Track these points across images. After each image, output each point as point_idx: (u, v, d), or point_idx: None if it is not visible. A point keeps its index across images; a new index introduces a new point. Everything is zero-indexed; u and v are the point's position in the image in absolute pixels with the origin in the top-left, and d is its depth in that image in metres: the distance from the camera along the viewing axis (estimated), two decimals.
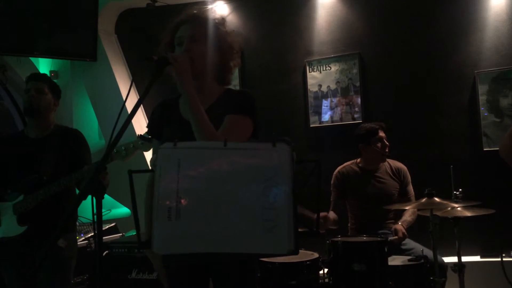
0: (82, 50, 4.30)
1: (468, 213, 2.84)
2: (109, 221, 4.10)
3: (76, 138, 2.78)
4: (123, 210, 4.61)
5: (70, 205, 2.62)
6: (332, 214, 3.40)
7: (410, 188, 3.43)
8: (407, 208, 3.09)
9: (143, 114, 4.68)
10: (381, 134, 3.38)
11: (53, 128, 2.76)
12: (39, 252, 2.43)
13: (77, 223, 3.31)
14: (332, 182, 3.50)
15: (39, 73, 3.06)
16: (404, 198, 3.38)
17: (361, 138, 3.41)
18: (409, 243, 3.25)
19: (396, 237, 3.11)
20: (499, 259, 3.21)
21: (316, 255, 2.89)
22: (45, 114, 2.73)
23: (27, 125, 2.84)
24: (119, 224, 4.14)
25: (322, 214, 3.11)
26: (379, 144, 3.36)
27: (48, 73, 4.74)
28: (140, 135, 2.22)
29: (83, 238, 3.61)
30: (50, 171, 2.60)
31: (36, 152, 2.66)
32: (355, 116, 4.19)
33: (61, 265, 2.58)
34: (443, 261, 3.02)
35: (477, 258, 3.74)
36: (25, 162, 2.64)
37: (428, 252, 2.92)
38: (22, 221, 2.56)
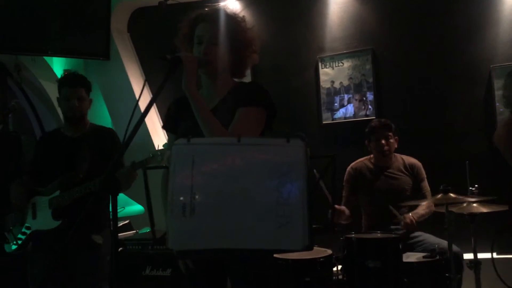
0: (95, 49, 4.32)
1: (483, 209, 2.80)
2: (122, 218, 4.13)
3: (111, 138, 2.85)
4: (137, 208, 4.64)
5: (87, 204, 2.67)
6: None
7: (425, 184, 3.39)
8: (421, 204, 3.06)
9: (156, 113, 4.70)
10: (380, 131, 3.36)
11: (88, 127, 2.84)
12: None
13: None
14: (344, 177, 3.50)
15: (74, 75, 2.90)
16: (418, 194, 3.35)
17: (365, 135, 3.47)
18: (422, 235, 3.23)
19: (403, 223, 3.09)
20: None
21: (329, 251, 2.89)
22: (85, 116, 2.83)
23: (64, 124, 2.90)
24: (133, 221, 4.17)
25: (340, 207, 3.11)
26: (373, 142, 3.38)
27: (61, 72, 4.77)
28: None
29: None
30: (86, 169, 2.66)
31: (73, 150, 2.73)
32: (368, 112, 4.16)
33: (99, 261, 2.63)
34: (459, 251, 2.98)
35: (493, 255, 3.68)
36: (63, 159, 2.72)
37: (442, 243, 2.88)
38: (57, 216, 2.63)
